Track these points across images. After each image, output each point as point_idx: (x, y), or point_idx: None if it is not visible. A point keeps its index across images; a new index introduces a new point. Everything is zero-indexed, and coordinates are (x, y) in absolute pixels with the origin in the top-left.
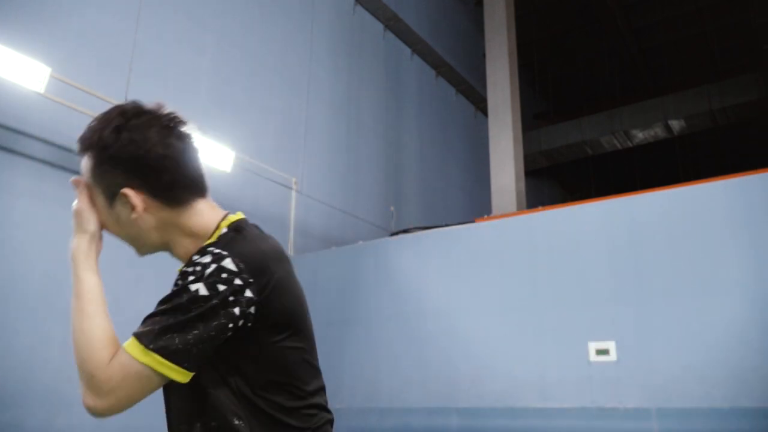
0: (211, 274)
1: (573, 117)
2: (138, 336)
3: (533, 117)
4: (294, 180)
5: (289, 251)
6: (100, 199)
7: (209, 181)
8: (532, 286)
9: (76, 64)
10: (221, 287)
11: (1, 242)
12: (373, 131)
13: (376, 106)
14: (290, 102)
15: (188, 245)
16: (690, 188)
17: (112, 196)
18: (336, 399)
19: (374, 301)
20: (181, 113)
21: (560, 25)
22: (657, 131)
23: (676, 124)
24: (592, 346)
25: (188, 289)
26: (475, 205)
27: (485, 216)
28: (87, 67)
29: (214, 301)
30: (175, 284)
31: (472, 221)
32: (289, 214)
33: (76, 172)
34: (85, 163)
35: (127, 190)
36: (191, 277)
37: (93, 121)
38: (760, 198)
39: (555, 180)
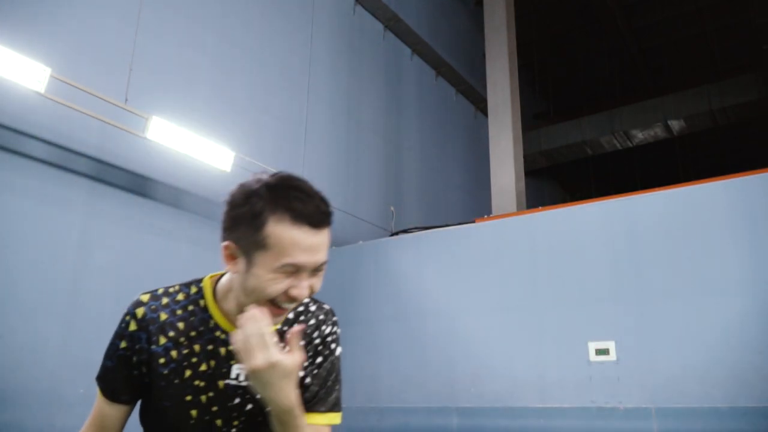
0: (339, 334)
1: (573, 117)
2: (335, 409)
3: (533, 117)
4: None
5: None
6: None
7: None
8: (532, 286)
9: (76, 64)
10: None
11: (1, 242)
12: (373, 131)
13: (376, 106)
14: (290, 102)
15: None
16: (690, 188)
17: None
18: None
19: (374, 301)
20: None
21: (560, 25)
22: (657, 131)
23: (676, 124)
24: (592, 346)
25: (338, 357)
26: (475, 205)
27: (485, 216)
28: (87, 67)
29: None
30: (321, 354)
31: (472, 221)
32: None
33: (76, 172)
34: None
35: None
36: (333, 345)
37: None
38: (760, 198)
39: (555, 180)
